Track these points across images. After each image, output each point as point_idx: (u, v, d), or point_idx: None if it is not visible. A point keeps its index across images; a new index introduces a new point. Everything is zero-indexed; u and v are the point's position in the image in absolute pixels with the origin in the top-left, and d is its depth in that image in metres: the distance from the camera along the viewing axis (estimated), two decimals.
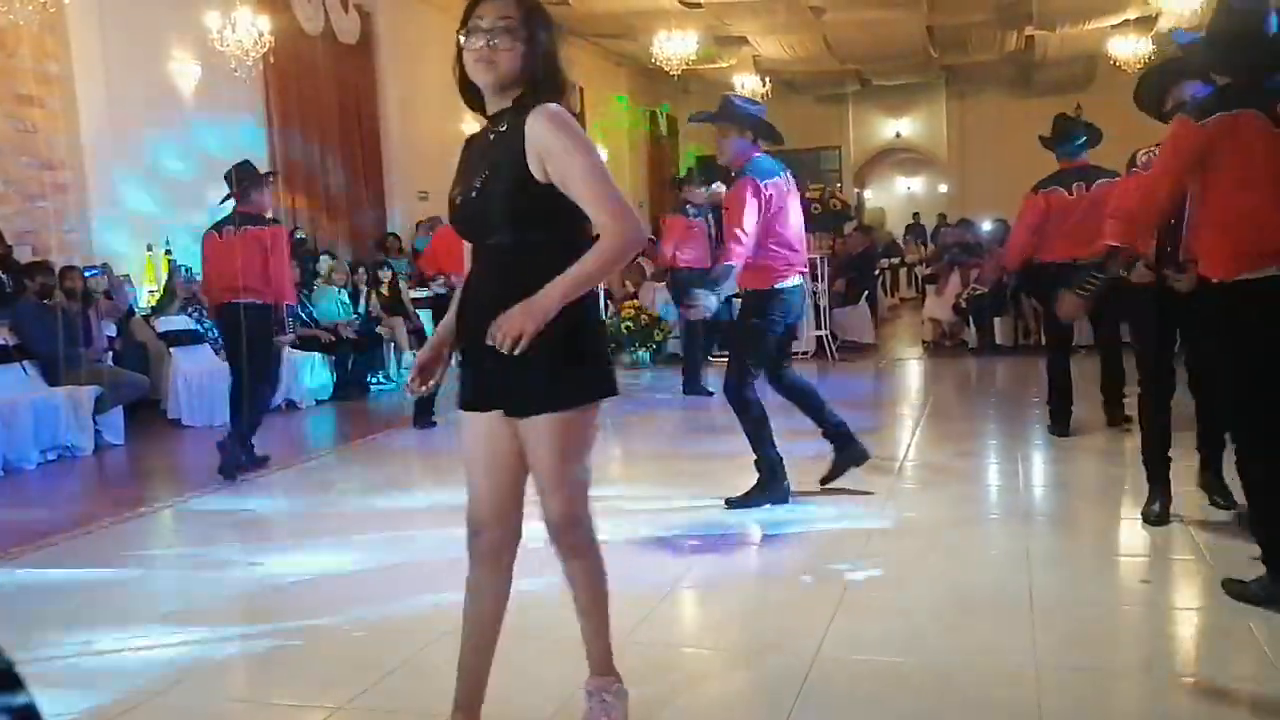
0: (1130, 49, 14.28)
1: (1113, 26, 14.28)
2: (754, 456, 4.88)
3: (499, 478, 2.44)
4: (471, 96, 2.43)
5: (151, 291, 9.09)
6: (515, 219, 2.30)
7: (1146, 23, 13.79)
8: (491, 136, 2.39)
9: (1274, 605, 3.27)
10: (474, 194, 2.35)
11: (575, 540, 2.47)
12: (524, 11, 2.35)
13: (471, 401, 2.43)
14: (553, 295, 2.22)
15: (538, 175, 2.27)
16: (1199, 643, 3.17)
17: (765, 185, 4.76)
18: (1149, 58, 14.09)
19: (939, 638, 3.21)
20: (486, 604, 2.51)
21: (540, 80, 2.35)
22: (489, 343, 2.19)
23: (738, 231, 4.67)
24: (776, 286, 4.82)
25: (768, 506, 4.82)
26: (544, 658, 3.07)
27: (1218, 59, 3.57)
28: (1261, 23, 3.37)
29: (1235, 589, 3.39)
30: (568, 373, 2.33)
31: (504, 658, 2.55)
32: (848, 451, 5.09)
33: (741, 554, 4.37)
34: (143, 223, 9.14)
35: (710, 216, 8.71)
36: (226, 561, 4.49)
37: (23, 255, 7.98)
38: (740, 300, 5.07)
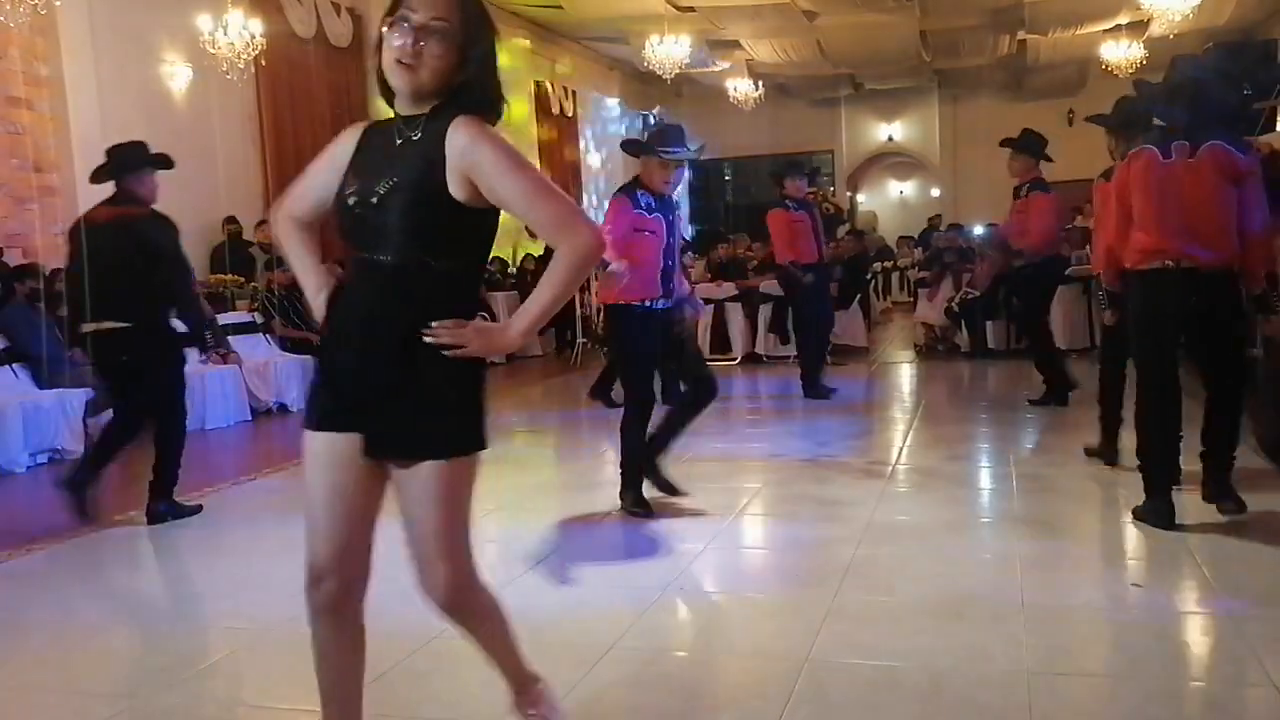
0: (1122, 53, 14.32)
1: (1104, 31, 14.32)
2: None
3: (345, 516, 2.10)
4: (384, 95, 2.15)
5: None
6: (418, 238, 2.03)
7: (1138, 27, 13.82)
8: (399, 141, 2.09)
9: (1155, 520, 4.24)
10: (374, 200, 2.04)
11: (468, 604, 2.20)
12: (464, 14, 2.06)
13: (328, 421, 2.09)
14: (526, 322, 2.07)
15: (456, 194, 2.02)
16: (1190, 647, 3.17)
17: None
18: (1141, 62, 14.13)
19: (930, 641, 3.21)
20: (335, 662, 2.18)
21: (468, 93, 2.08)
22: (424, 333, 2.00)
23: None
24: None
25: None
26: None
27: (1161, 112, 4.45)
28: (1195, 88, 4.34)
29: (1137, 513, 4.39)
30: (473, 414, 2.10)
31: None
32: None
33: (731, 558, 4.36)
34: None
35: (811, 211, 8.61)
36: (214, 565, 4.47)
37: (12, 258, 7.96)
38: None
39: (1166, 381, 4.37)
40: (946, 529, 4.55)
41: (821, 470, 5.74)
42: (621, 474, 4.88)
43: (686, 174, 5.02)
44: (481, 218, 2.08)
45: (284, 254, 2.41)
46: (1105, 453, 5.54)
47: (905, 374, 10.27)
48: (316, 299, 2.28)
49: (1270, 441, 5.42)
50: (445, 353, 2.01)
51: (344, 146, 2.20)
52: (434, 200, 2.02)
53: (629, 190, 4.84)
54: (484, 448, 2.12)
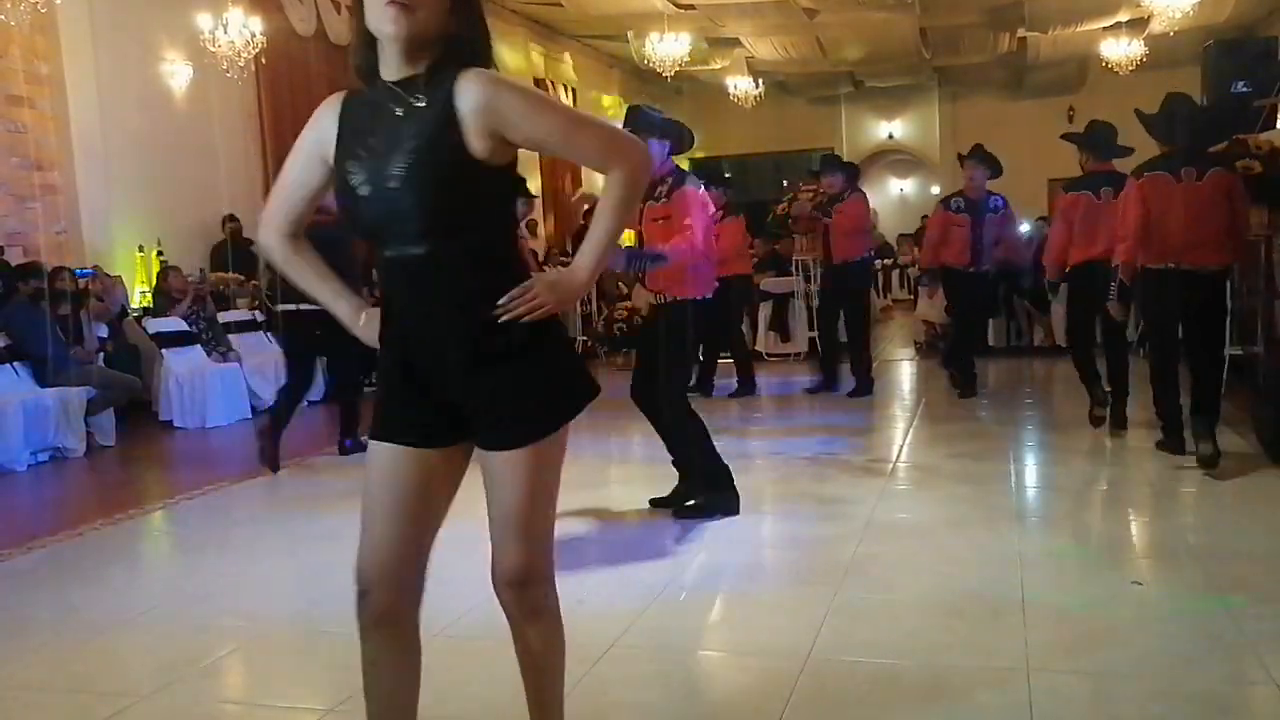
0: (1122, 51, 14.31)
1: (1104, 28, 14.31)
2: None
3: (409, 527, 1.97)
4: (363, 62, 1.96)
5: (143, 292, 9.07)
6: (448, 215, 1.88)
7: (1138, 25, 13.82)
8: (400, 111, 1.89)
9: (1171, 448, 5.53)
10: (391, 185, 1.86)
11: (536, 600, 2.02)
12: None
13: (406, 435, 1.97)
14: (593, 258, 1.96)
15: (478, 153, 1.85)
16: (1191, 645, 3.17)
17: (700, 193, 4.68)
18: (1141, 59, 14.13)
19: (931, 639, 3.21)
20: (386, 682, 2.01)
21: (465, 42, 1.91)
22: (499, 315, 1.88)
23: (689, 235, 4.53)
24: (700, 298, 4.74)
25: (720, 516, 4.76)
26: None
27: (1159, 135, 5.59)
28: (1186, 115, 5.54)
29: (1160, 445, 5.64)
30: (556, 384, 1.98)
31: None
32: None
33: (732, 556, 4.37)
34: (134, 223, 9.12)
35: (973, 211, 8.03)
36: (216, 563, 4.48)
37: (13, 256, 7.96)
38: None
39: (1169, 352, 5.61)
40: (947, 526, 4.55)
41: (822, 468, 5.74)
42: (697, 479, 4.79)
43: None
44: (502, 175, 1.94)
45: (291, 278, 2.18)
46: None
47: (905, 371, 10.27)
48: (357, 325, 2.12)
49: (1272, 440, 5.42)
50: (525, 320, 1.89)
51: (321, 130, 2.02)
52: (459, 167, 1.86)
53: (691, 181, 4.70)
54: (575, 414, 2.01)
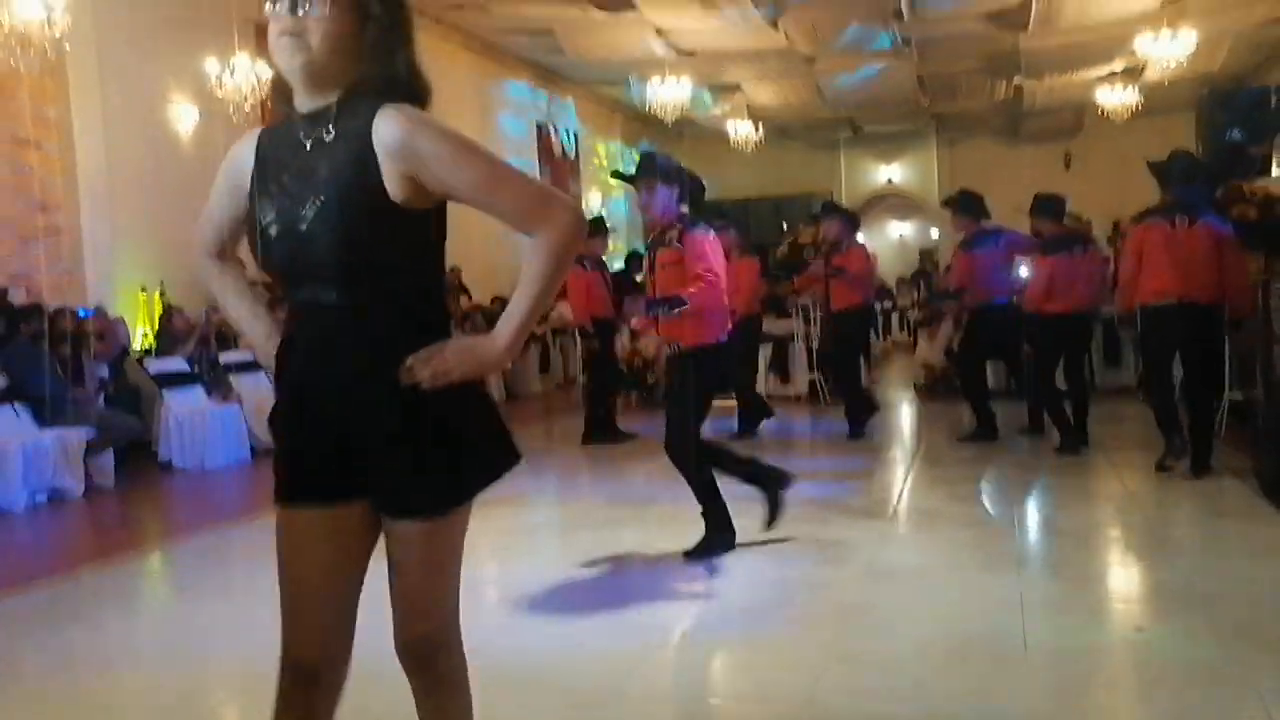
0: (1117, 99, 14.46)
1: (1100, 77, 14.48)
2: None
3: (336, 597, 1.85)
4: (278, 94, 1.85)
5: (145, 333, 9.09)
6: (362, 262, 1.74)
7: (1133, 73, 13.98)
8: (308, 145, 1.77)
9: (1175, 456, 5.98)
10: (301, 227, 1.74)
11: (436, 669, 1.91)
12: None
13: (306, 493, 1.83)
14: (512, 330, 1.77)
15: (396, 196, 1.72)
16: (1194, 694, 3.15)
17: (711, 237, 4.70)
18: (1136, 106, 14.27)
19: (933, 684, 3.19)
20: None
21: (380, 69, 1.76)
22: (401, 376, 1.72)
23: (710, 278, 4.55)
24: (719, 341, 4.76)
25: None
26: None
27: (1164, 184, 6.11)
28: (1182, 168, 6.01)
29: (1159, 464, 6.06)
30: (465, 454, 1.81)
31: None
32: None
33: (732, 600, 4.35)
34: (138, 264, 9.17)
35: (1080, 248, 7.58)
36: (214, 607, 4.45)
37: (17, 297, 7.99)
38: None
39: (1166, 376, 6.07)
40: (949, 570, 4.53)
41: (822, 511, 5.72)
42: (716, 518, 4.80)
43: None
44: (423, 220, 1.79)
45: (218, 301, 2.12)
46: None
47: (905, 414, 10.26)
48: (265, 347, 2.00)
49: (1273, 483, 5.42)
50: (426, 387, 1.73)
51: (239, 161, 1.89)
52: (373, 212, 1.72)
53: (700, 226, 4.70)
54: (485, 486, 1.84)
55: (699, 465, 4.74)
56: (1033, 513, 5.80)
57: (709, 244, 4.64)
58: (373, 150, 1.71)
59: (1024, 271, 8.97)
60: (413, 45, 1.82)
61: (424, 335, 1.77)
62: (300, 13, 1.70)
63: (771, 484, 4.89)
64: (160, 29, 9.36)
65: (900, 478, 6.88)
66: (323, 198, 1.74)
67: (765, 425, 8.76)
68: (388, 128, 1.71)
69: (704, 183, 5.07)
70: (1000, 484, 6.55)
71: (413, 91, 1.80)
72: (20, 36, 7.21)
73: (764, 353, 11.02)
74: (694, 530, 4.82)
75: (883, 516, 5.62)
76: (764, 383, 11.05)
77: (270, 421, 1.90)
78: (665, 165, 4.76)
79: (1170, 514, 5.42)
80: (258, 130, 1.91)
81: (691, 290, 4.54)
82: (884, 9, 11.57)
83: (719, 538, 4.78)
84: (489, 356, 1.80)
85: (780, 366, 10.97)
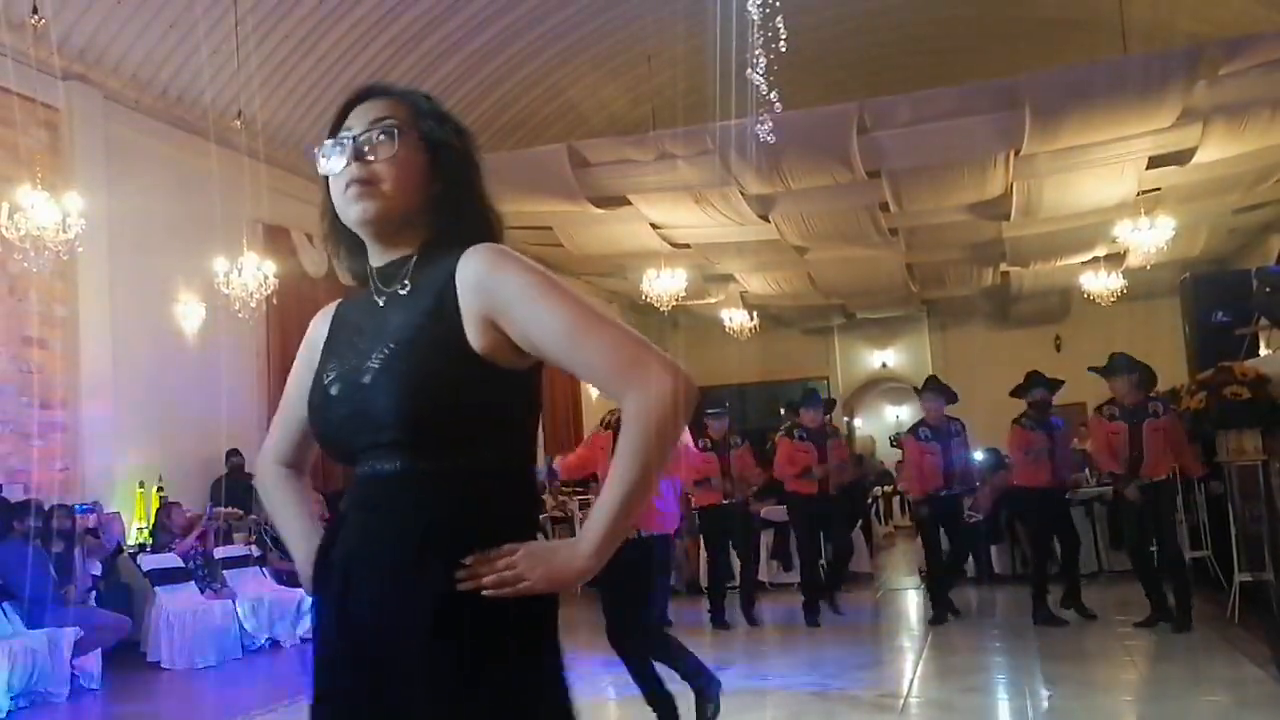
0: (1102, 283, 14.82)
1: (1083, 263, 14.88)
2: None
3: None
4: (349, 261, 1.65)
5: (140, 528, 9.01)
6: (432, 422, 1.45)
7: (1116, 259, 14.39)
8: (382, 302, 1.56)
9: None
10: (365, 379, 1.48)
11: None
12: (410, 107, 1.57)
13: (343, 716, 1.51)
14: (600, 532, 1.41)
15: (479, 347, 1.46)
16: None
17: None
18: (1122, 290, 14.61)
19: None
20: None
21: (456, 209, 1.56)
22: (459, 576, 1.41)
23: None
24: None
25: None
26: None
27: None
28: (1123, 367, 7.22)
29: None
30: (531, 683, 1.45)
31: None
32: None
33: None
34: (136, 459, 9.17)
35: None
36: None
37: (13, 493, 7.96)
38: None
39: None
40: None
41: (830, 704, 5.53)
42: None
43: None
44: (518, 382, 1.51)
45: (269, 511, 1.83)
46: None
47: (911, 600, 10.05)
48: (307, 570, 1.64)
49: None
50: (489, 594, 1.40)
51: (315, 336, 1.69)
52: (449, 361, 1.45)
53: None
54: None
55: (643, 655, 4.61)
56: (1048, 705, 5.60)
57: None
58: (455, 291, 1.47)
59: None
60: (482, 183, 1.63)
61: (503, 525, 1.45)
62: (371, 157, 1.52)
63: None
64: (171, 230, 9.69)
65: (910, 667, 6.68)
66: (392, 344, 1.48)
67: (766, 613, 8.58)
68: (469, 266, 1.48)
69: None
70: (1014, 673, 6.36)
71: (487, 233, 1.58)
72: (34, 240, 7.45)
73: (765, 539, 10.90)
74: None
75: (893, 710, 5.43)
76: (766, 570, 10.89)
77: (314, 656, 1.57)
78: None
79: (1189, 704, 5.24)
80: (336, 301, 1.71)
81: None
82: (871, 201, 12.01)
83: None
84: (568, 567, 1.42)
85: (782, 553, 10.81)
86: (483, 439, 1.47)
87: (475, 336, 1.46)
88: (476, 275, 1.47)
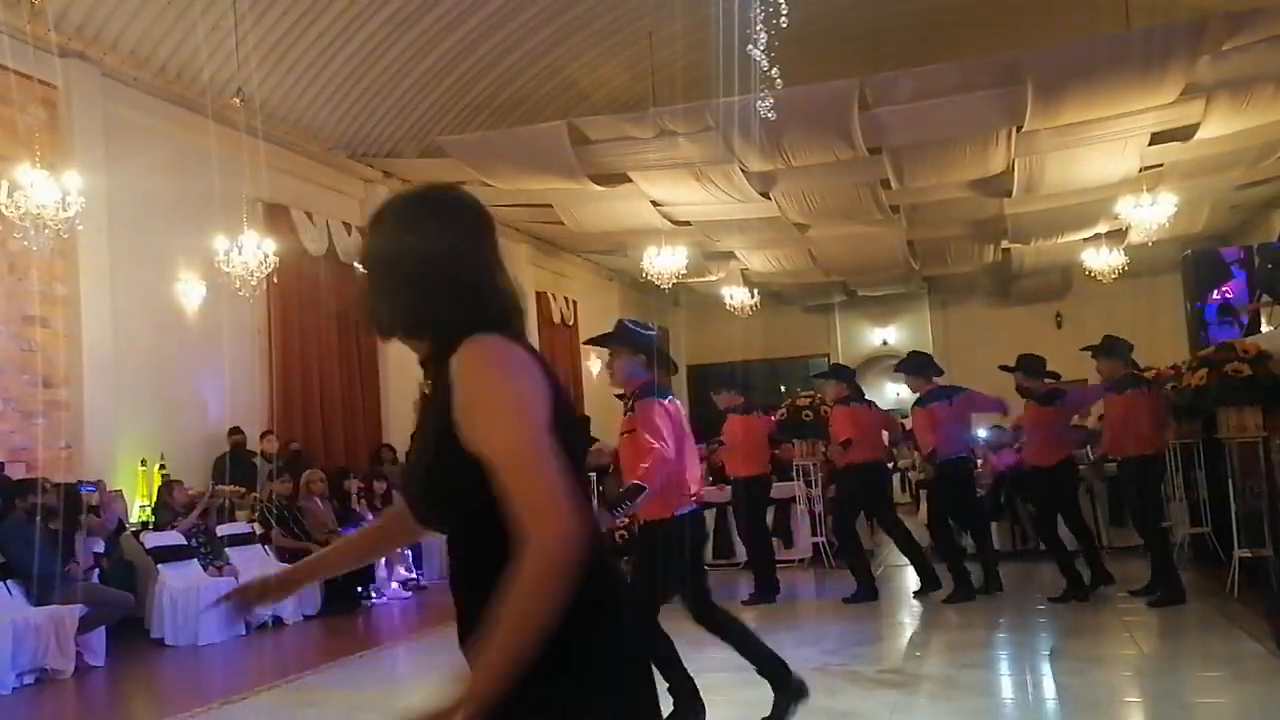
0: (1103, 260, 14.80)
1: (1085, 239, 14.85)
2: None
3: None
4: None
5: (143, 506, 9.04)
6: (444, 504, 1.64)
7: (1117, 235, 14.36)
8: (426, 390, 1.70)
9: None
10: (411, 457, 1.74)
11: None
12: (377, 233, 1.72)
13: None
14: (477, 685, 1.46)
15: (463, 439, 1.56)
16: None
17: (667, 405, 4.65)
18: (1123, 267, 14.60)
19: None
20: None
21: (440, 308, 1.64)
22: None
23: (658, 449, 4.45)
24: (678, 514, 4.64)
25: None
26: None
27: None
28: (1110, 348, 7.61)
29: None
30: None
31: None
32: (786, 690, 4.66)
33: None
34: (138, 437, 9.19)
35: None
36: None
37: (15, 471, 7.97)
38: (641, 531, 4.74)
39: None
40: None
41: (831, 679, 5.56)
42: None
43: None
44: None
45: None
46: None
47: (911, 577, 10.08)
48: (313, 565, 2.09)
49: None
50: None
51: None
52: (444, 454, 1.58)
53: (654, 393, 4.63)
54: None
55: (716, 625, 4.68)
56: (1048, 680, 5.63)
57: (658, 413, 4.54)
58: (451, 390, 1.58)
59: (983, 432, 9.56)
60: (497, 253, 1.70)
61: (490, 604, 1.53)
62: (360, 290, 1.69)
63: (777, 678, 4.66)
64: (171, 209, 9.66)
65: (910, 643, 6.71)
66: (413, 443, 1.71)
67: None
68: (458, 360, 1.57)
69: (672, 363, 5.13)
70: (1013, 649, 6.39)
71: (489, 316, 1.64)
72: (34, 218, 7.43)
73: (767, 517, 10.91)
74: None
75: (895, 685, 5.46)
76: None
77: None
78: (630, 335, 4.76)
79: (1189, 679, 5.27)
80: None
81: (639, 477, 4.46)
82: (872, 177, 11.97)
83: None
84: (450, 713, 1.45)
85: (784, 530, 10.84)
86: (482, 521, 1.56)
87: (462, 432, 1.56)
88: (455, 375, 1.57)
